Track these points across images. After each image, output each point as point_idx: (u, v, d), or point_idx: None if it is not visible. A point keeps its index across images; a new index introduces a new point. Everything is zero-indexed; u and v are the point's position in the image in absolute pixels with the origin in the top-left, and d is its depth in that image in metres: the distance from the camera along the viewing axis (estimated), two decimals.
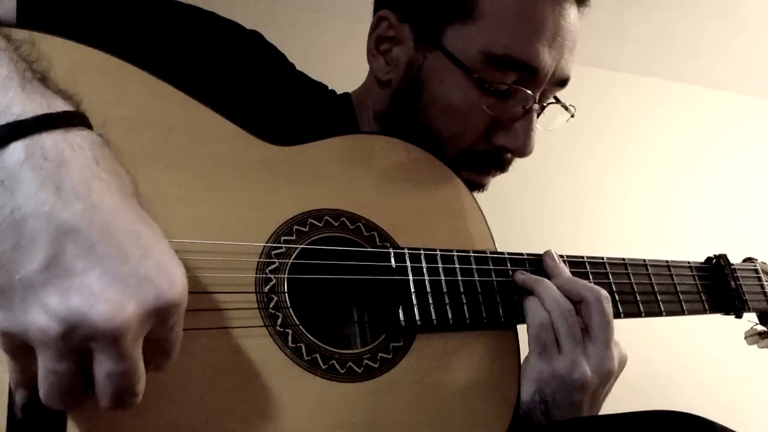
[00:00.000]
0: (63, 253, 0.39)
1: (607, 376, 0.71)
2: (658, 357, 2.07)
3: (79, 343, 0.39)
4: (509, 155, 0.85)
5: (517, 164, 0.89)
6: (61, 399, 0.42)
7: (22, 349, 0.41)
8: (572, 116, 0.88)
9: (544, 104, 0.85)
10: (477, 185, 0.86)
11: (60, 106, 0.44)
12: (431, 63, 0.81)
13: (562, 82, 0.84)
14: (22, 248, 0.38)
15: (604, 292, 0.72)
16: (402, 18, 0.84)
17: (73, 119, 0.43)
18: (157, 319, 0.42)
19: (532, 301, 0.72)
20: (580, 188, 2.35)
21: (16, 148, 0.40)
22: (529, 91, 0.78)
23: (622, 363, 0.76)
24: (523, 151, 0.82)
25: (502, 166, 0.86)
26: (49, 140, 0.41)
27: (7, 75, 0.43)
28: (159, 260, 0.42)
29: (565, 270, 0.76)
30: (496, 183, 0.90)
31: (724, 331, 1.60)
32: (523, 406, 0.70)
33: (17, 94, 0.42)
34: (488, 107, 0.79)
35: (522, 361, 0.72)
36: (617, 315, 0.78)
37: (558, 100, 0.87)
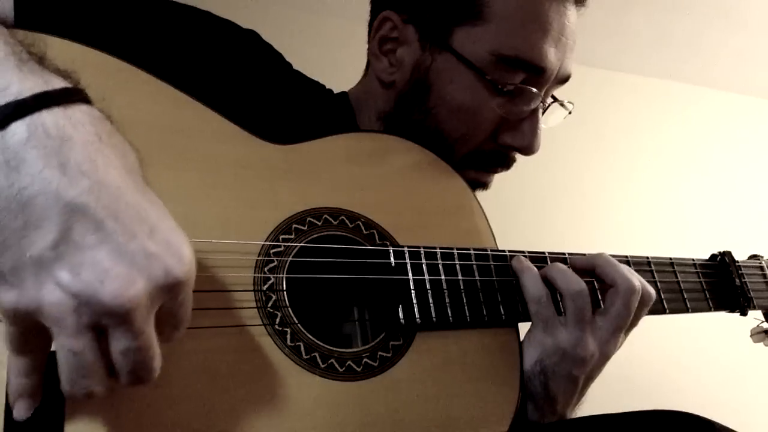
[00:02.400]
0: (72, 230, 0.39)
1: (606, 359, 0.73)
2: (659, 356, 2.06)
3: (92, 318, 0.39)
4: (514, 153, 0.86)
5: (519, 163, 0.89)
6: (83, 380, 0.42)
7: (34, 331, 0.41)
8: (570, 113, 0.89)
9: (546, 103, 0.86)
10: (481, 184, 0.88)
11: (58, 83, 0.43)
12: (440, 64, 0.81)
13: (564, 80, 0.85)
14: (32, 226, 0.39)
15: (637, 287, 0.73)
16: (407, 19, 0.84)
17: (73, 95, 0.43)
18: (167, 295, 0.42)
19: (528, 277, 0.72)
20: (581, 187, 2.35)
21: (18, 128, 0.40)
22: (536, 90, 0.80)
23: None
24: (530, 149, 0.84)
25: (507, 165, 0.88)
26: (50, 118, 0.41)
27: (3, 56, 0.43)
28: (166, 236, 0.42)
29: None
30: (498, 181, 0.91)
31: (724, 329, 1.60)
32: (524, 374, 0.72)
33: (14, 74, 0.42)
34: (498, 107, 0.80)
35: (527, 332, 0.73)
36: None
37: (555, 99, 0.87)
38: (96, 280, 0.39)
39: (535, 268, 0.73)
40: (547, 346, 0.71)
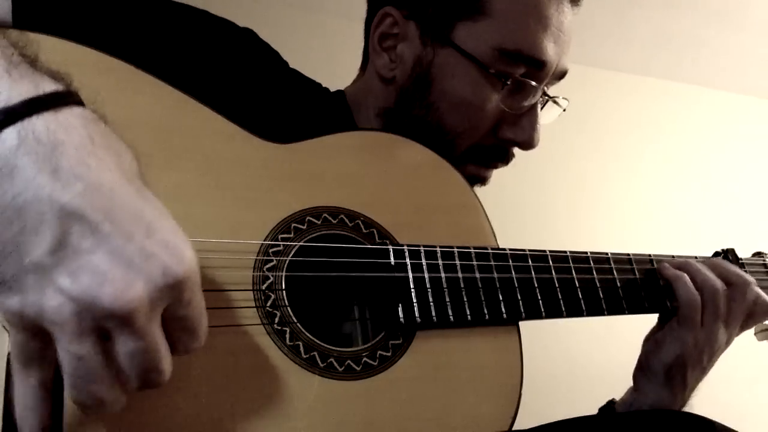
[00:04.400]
0: (69, 234, 0.39)
1: (726, 347, 0.84)
2: None
3: (94, 322, 0.39)
4: (513, 149, 0.87)
5: (519, 162, 0.90)
6: (90, 385, 0.41)
7: (38, 335, 0.40)
8: (564, 110, 0.90)
9: (544, 98, 0.87)
10: (480, 179, 0.89)
11: (49, 86, 0.43)
12: (442, 59, 0.82)
13: (561, 76, 0.87)
14: (29, 232, 0.39)
15: (750, 279, 0.83)
16: (407, 15, 0.85)
17: (64, 99, 0.43)
18: (170, 295, 0.42)
19: (682, 285, 0.79)
20: (581, 186, 2.35)
21: (8, 135, 0.40)
22: (536, 84, 0.81)
23: None
24: (530, 143, 0.85)
25: (507, 160, 0.89)
26: (40, 123, 0.41)
27: None
28: (164, 236, 0.42)
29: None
30: (498, 180, 0.91)
31: None
32: (664, 366, 0.80)
33: (4, 79, 0.42)
34: (500, 101, 0.81)
35: (665, 327, 0.81)
36: (621, 311, 0.79)
37: (549, 97, 0.88)
38: (95, 283, 0.39)
39: (686, 275, 0.80)
40: (687, 344, 0.79)
